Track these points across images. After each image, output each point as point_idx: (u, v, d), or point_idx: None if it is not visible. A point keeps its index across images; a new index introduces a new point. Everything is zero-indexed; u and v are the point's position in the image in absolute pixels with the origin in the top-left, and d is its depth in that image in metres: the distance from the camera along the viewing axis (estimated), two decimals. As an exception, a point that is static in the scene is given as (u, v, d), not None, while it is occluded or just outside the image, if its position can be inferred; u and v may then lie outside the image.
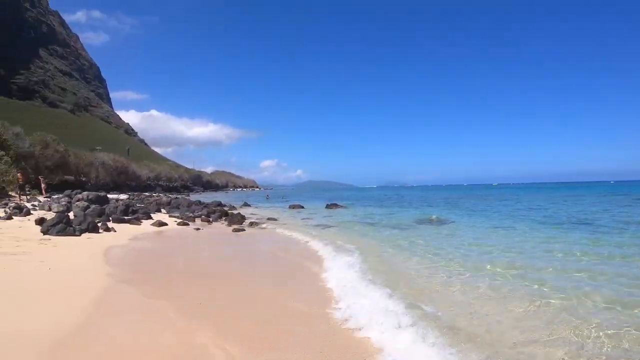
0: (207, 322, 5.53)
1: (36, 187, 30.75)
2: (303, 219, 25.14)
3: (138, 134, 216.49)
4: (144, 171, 69.60)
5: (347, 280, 7.91)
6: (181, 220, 19.34)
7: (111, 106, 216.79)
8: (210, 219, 21.10)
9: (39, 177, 32.74)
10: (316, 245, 13.70)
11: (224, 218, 21.66)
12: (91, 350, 4.53)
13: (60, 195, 26.00)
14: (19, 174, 24.41)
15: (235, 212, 24.61)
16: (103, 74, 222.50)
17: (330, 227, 19.56)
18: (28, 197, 25.80)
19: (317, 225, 20.23)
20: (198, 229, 17.33)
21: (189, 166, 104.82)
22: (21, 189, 23.83)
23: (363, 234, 17.17)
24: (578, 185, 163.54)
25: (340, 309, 6.29)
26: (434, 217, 24.67)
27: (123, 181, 59.46)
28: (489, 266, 9.26)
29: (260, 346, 4.77)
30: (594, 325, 5.45)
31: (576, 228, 18.13)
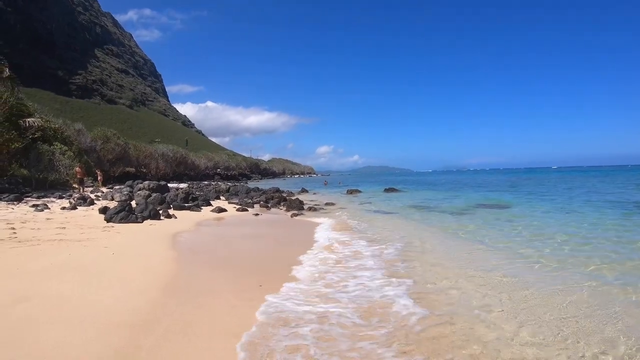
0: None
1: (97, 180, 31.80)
2: (361, 203, 24.57)
3: (195, 125, 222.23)
4: (202, 161, 70.89)
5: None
6: (240, 206, 19.15)
7: (168, 100, 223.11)
8: (269, 205, 20.85)
9: (96, 170, 33.73)
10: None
11: (282, 204, 21.37)
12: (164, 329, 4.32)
13: (122, 186, 26.50)
14: (77, 168, 25.05)
15: (293, 197, 24.29)
16: (158, 70, 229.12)
17: (389, 213, 18.86)
18: (91, 188, 26.54)
19: (377, 211, 19.57)
20: (257, 214, 17.05)
21: (246, 154, 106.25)
22: (80, 183, 24.42)
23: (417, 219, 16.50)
24: None
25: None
26: (490, 201, 23.49)
27: (182, 171, 60.78)
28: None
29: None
30: None
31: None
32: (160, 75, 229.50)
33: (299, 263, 7.92)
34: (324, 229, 13.27)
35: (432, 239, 11.29)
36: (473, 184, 50.30)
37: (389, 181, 57.12)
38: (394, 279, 6.75)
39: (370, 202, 24.87)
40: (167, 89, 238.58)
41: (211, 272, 7.03)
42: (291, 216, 17.01)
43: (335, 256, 8.63)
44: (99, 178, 32.22)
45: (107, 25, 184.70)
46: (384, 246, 9.91)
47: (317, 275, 6.98)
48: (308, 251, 9.16)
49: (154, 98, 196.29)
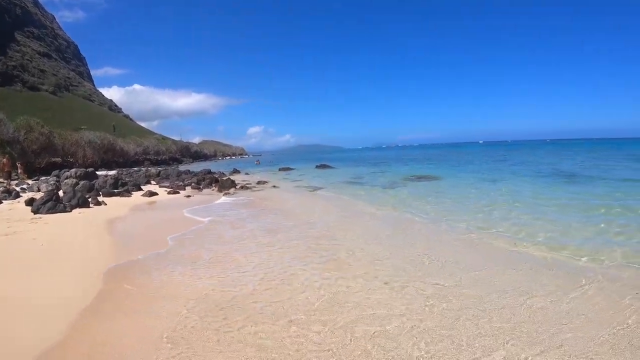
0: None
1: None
2: (294, 180, 25.19)
3: (122, 110, 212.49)
4: (131, 146, 68.42)
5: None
6: (171, 189, 19.19)
7: (93, 84, 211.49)
8: (201, 187, 20.95)
9: (17, 163, 32.19)
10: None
11: (214, 185, 21.50)
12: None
13: (49, 177, 25.60)
14: (4, 160, 23.94)
15: (224, 178, 24.51)
16: (82, 52, 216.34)
17: (320, 188, 19.65)
18: (16, 181, 25.46)
19: (308, 187, 20.29)
20: (189, 196, 17.25)
21: (176, 138, 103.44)
22: (8, 176, 23.38)
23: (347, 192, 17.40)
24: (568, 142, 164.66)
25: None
26: (419, 174, 24.97)
27: (111, 158, 58.63)
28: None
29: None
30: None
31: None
32: (84, 58, 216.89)
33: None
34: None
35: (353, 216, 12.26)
36: (404, 159, 52.35)
37: (321, 158, 58.11)
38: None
39: (302, 179, 25.55)
40: (92, 72, 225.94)
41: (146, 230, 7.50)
42: (223, 195, 17.39)
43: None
44: (19, 170, 30.82)
45: (27, 6, 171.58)
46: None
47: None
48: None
49: (79, 83, 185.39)
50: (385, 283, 5.45)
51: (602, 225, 8.47)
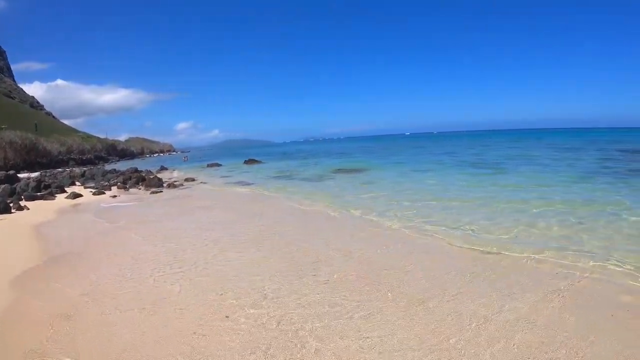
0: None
1: None
2: (222, 176, 25.62)
3: (45, 107, 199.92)
4: (54, 146, 64.93)
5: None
6: (97, 190, 19.10)
7: (14, 80, 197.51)
8: (127, 186, 20.88)
9: None
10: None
11: (141, 183, 21.49)
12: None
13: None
14: None
15: (151, 176, 24.50)
16: (2, 46, 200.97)
17: (249, 183, 20.34)
18: None
19: (236, 183, 20.93)
20: (115, 196, 17.33)
21: (102, 136, 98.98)
22: None
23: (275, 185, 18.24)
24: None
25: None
26: (347, 166, 26.30)
27: (33, 159, 55.51)
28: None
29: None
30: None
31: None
32: (5, 52, 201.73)
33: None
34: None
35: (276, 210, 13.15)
36: (333, 152, 53.88)
37: (250, 153, 58.35)
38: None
39: (231, 175, 26.05)
40: (12, 67, 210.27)
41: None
42: (150, 194, 17.65)
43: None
44: None
45: None
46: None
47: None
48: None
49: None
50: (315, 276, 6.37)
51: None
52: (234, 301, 5.09)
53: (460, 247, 7.16)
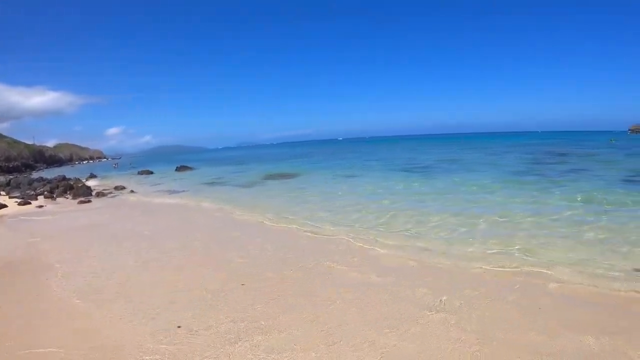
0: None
1: None
2: (153, 184, 25.66)
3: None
4: (-23, 153, 61.34)
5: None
6: (22, 200, 18.78)
7: None
8: (54, 195, 20.59)
9: None
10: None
11: (69, 192, 21.24)
12: None
13: None
14: None
15: (80, 185, 24.21)
16: None
17: (179, 192, 20.73)
18: None
19: (166, 191, 21.22)
20: (41, 206, 17.12)
21: (29, 141, 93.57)
22: None
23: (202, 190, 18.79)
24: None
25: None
26: (279, 172, 27.18)
27: (-44, 168, 52.39)
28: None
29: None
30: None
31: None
32: None
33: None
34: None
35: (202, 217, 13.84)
36: (266, 158, 54.58)
37: (182, 160, 57.76)
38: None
39: (162, 183, 26.09)
40: None
41: None
42: (78, 203, 17.64)
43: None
44: None
45: None
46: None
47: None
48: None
49: None
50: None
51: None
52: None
53: (369, 247, 8.46)
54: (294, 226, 10.61)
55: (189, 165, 40.31)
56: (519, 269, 6.54)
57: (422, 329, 4.48)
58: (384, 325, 4.60)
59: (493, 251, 7.57)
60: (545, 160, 28.41)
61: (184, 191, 20.77)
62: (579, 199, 12.52)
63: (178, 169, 37.29)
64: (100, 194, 20.42)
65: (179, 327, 4.75)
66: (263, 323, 4.76)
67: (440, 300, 5.26)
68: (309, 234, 9.70)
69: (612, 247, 7.54)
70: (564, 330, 4.32)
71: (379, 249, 8.04)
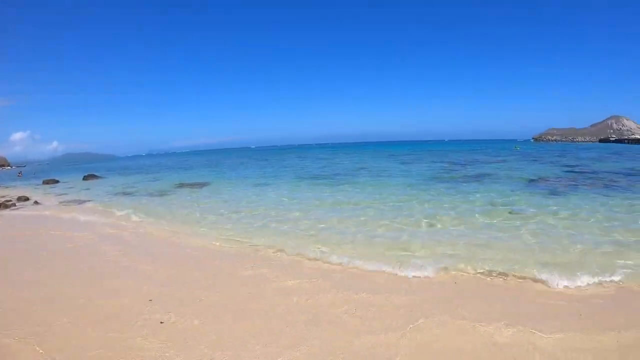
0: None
1: None
2: (59, 194, 25.05)
3: None
4: None
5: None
6: None
7: None
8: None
9: None
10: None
11: (-34, 204, 20.50)
12: None
13: None
14: None
15: (-23, 196, 23.32)
16: None
17: (86, 201, 20.70)
18: None
19: (73, 201, 20.96)
20: None
21: None
22: None
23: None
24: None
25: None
26: (190, 181, 27.66)
27: None
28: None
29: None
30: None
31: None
32: None
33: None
34: None
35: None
36: (177, 166, 54.09)
37: (91, 168, 55.66)
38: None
39: (68, 193, 25.46)
40: None
41: None
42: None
43: None
44: None
45: None
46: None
47: None
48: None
49: None
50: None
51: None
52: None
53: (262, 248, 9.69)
54: (198, 239, 11.15)
55: (97, 174, 39.38)
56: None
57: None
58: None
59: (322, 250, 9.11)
60: (453, 167, 31.99)
61: (88, 200, 20.61)
62: (484, 202, 14.58)
63: (85, 178, 36.37)
64: (3, 206, 19.85)
65: None
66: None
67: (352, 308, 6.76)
68: (217, 243, 10.57)
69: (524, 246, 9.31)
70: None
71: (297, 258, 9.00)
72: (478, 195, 16.30)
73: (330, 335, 5.22)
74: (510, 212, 12.70)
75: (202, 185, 25.17)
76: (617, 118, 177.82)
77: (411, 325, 5.43)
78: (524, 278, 7.26)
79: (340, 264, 8.42)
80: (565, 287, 6.79)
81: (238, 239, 10.98)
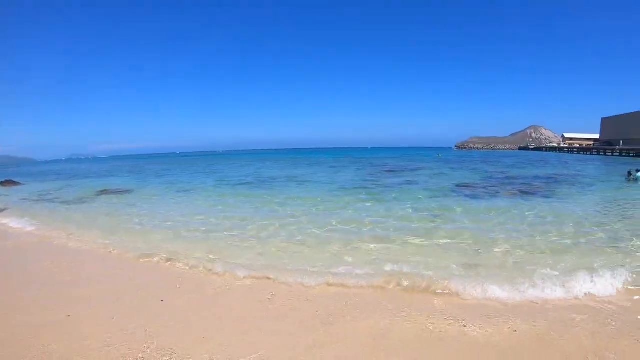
0: None
1: None
2: (-29, 202, 23.49)
3: None
4: None
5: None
6: None
7: None
8: None
9: None
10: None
11: None
12: None
13: None
14: None
15: None
16: None
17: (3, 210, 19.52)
18: None
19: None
20: None
21: None
22: None
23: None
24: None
25: None
26: (112, 188, 26.84)
27: None
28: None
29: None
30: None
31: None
32: None
33: None
34: None
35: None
36: (100, 172, 51.83)
37: (8, 174, 52.19)
38: None
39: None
40: None
41: None
42: None
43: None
44: None
45: None
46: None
47: None
48: None
49: None
50: None
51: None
52: None
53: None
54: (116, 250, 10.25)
55: (15, 179, 37.03)
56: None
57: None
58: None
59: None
60: (377, 173, 33.00)
61: (7, 209, 19.61)
62: (404, 207, 15.04)
63: (3, 184, 34.25)
64: None
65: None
66: None
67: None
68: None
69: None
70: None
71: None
72: (396, 202, 16.49)
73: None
74: (431, 220, 13.08)
75: (124, 192, 24.53)
76: (535, 128, 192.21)
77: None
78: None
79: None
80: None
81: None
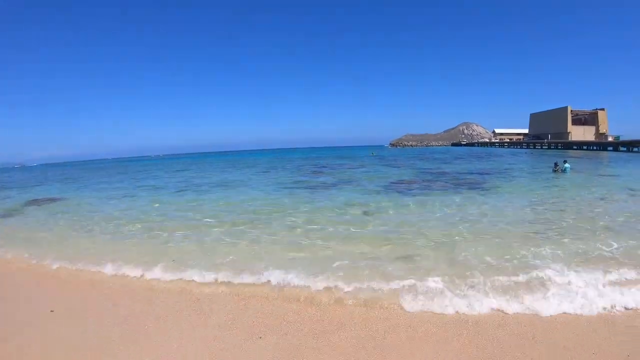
0: None
1: None
2: None
3: None
4: None
5: None
6: None
7: None
8: None
9: None
10: None
11: None
12: None
13: None
14: None
15: None
16: None
17: None
18: None
19: None
20: None
21: None
22: None
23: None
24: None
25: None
26: (44, 197, 24.89)
27: None
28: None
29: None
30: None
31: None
32: None
33: None
34: None
35: None
36: (32, 181, 48.26)
37: None
38: None
39: None
40: None
41: None
42: None
43: None
44: None
45: None
46: None
47: None
48: None
49: None
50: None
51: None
52: None
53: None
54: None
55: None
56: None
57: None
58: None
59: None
60: (310, 174, 32.54)
61: None
62: (338, 204, 14.90)
63: None
64: None
65: None
66: None
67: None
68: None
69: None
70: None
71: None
72: (327, 201, 16.14)
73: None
74: (365, 213, 13.05)
75: (54, 200, 22.54)
76: (467, 124, 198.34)
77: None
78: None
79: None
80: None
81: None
